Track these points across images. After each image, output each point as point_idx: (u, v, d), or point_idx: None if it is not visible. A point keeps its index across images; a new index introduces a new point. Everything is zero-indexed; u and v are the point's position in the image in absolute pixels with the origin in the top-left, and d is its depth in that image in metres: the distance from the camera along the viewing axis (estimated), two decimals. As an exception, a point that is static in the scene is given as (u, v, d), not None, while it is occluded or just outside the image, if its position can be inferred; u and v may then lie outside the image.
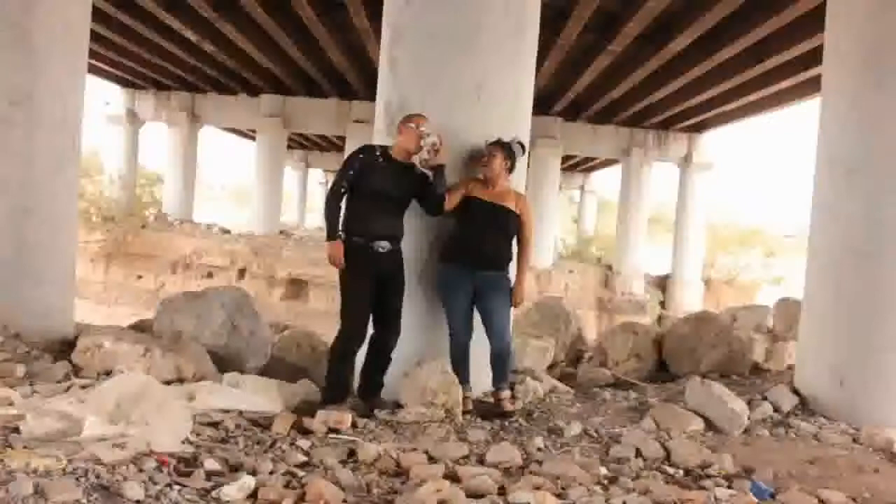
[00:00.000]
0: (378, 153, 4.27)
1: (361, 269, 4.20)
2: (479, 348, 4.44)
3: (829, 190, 4.71)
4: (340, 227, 4.20)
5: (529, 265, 4.69)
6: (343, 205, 4.21)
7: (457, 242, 4.43)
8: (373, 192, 4.18)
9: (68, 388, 3.99)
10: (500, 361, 4.39)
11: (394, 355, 4.33)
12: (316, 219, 34.57)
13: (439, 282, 4.47)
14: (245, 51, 14.67)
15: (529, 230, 4.57)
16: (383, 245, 4.21)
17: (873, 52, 4.41)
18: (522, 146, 4.54)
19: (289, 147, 25.50)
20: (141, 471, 2.83)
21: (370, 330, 4.32)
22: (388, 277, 4.28)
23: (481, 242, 4.40)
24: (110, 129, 21.17)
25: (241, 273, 18.77)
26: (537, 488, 2.95)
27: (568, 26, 10.91)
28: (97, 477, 2.67)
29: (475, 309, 4.45)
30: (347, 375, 4.31)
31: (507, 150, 4.42)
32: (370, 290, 4.24)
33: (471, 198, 4.41)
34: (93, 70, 16.54)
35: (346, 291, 4.26)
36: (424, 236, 4.50)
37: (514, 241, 4.56)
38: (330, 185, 4.32)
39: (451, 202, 4.37)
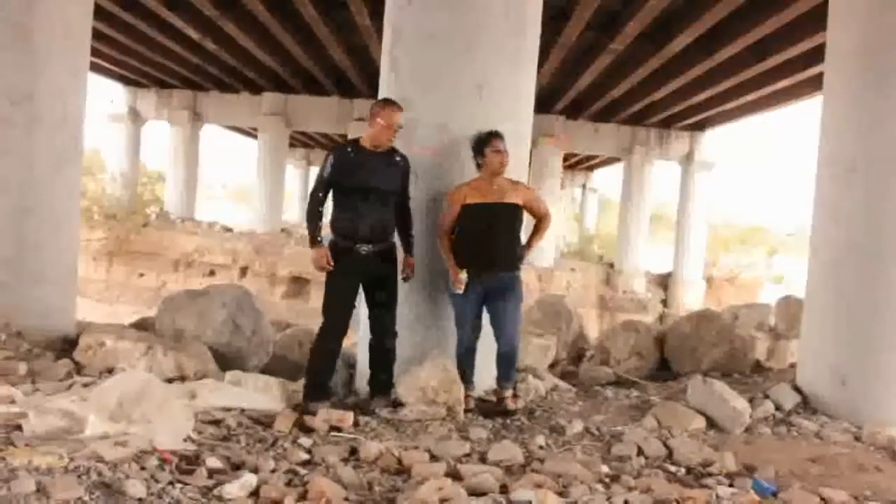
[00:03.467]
0: (350, 149, 4.19)
1: (346, 270, 4.17)
2: (483, 347, 4.44)
3: (829, 189, 4.71)
4: (329, 229, 4.18)
5: (541, 237, 4.61)
6: (322, 210, 4.19)
7: (465, 249, 4.32)
8: (352, 190, 4.13)
9: (70, 386, 4.01)
10: (507, 362, 4.37)
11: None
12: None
13: (450, 286, 4.37)
14: (247, 49, 14.67)
15: (537, 209, 4.50)
16: (367, 248, 4.16)
17: (874, 52, 4.41)
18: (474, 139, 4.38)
19: (291, 145, 25.50)
20: (143, 469, 2.83)
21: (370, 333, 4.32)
22: (377, 277, 4.24)
23: (490, 247, 4.30)
24: (112, 128, 21.20)
25: (243, 271, 18.79)
26: (539, 486, 2.94)
27: (569, 25, 10.92)
28: (99, 475, 2.68)
29: (484, 310, 4.41)
30: (327, 373, 4.28)
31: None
32: (353, 291, 4.22)
33: (470, 204, 4.30)
34: (95, 68, 16.55)
35: (328, 290, 4.23)
36: (426, 236, 4.48)
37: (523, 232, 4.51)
38: (309, 192, 4.29)
39: (446, 224, 4.34)
